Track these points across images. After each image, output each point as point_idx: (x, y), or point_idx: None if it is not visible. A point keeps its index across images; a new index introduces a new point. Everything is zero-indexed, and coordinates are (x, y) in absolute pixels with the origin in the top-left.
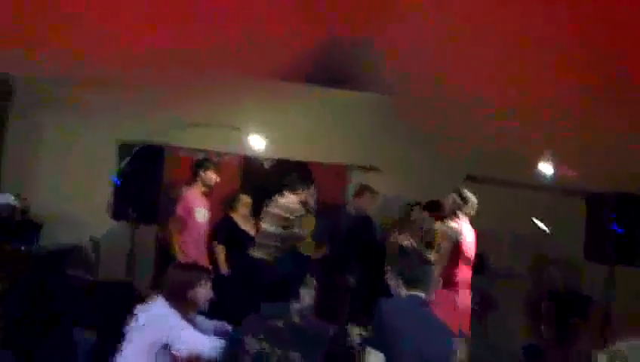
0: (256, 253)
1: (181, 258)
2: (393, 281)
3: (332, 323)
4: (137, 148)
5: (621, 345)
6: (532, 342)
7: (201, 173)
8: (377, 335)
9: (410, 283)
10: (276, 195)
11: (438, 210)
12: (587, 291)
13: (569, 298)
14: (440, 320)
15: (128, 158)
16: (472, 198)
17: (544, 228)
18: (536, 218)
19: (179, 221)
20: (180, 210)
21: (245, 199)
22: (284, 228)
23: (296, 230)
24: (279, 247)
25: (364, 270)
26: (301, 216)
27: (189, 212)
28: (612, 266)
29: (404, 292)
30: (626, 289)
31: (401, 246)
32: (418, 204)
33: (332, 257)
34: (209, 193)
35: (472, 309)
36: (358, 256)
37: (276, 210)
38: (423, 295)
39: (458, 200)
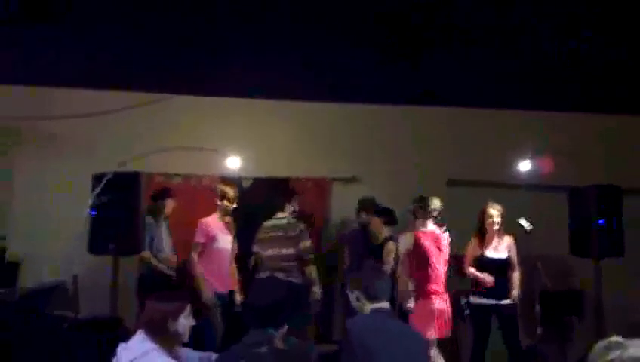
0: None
1: (202, 286)
2: (354, 298)
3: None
4: (109, 178)
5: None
6: (529, 343)
7: (218, 203)
8: (349, 357)
9: (372, 296)
10: (270, 219)
11: (390, 217)
12: (577, 286)
13: (560, 295)
14: (410, 328)
15: (99, 189)
16: (434, 202)
17: (528, 227)
18: (520, 217)
19: (199, 248)
20: (200, 237)
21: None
22: (293, 245)
23: (307, 243)
24: (293, 266)
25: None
26: (303, 228)
27: (211, 239)
28: (598, 259)
29: (367, 307)
30: (614, 281)
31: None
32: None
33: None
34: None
35: (465, 314)
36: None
37: (280, 233)
38: (386, 306)
39: (418, 208)
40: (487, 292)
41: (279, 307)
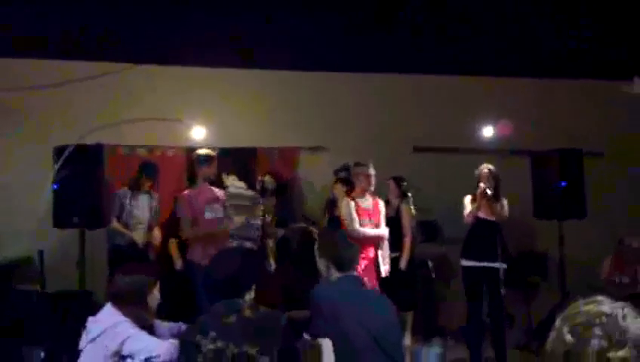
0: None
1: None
2: (323, 265)
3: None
4: (71, 150)
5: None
6: None
7: (200, 171)
8: (318, 323)
9: (338, 264)
10: (229, 187)
11: (348, 186)
12: (540, 248)
13: (525, 257)
14: (378, 292)
15: (61, 162)
16: (360, 168)
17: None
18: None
19: (189, 222)
20: (186, 211)
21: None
22: (244, 214)
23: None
24: (243, 236)
25: None
26: (257, 199)
27: (198, 211)
28: (561, 221)
29: (335, 274)
30: (577, 242)
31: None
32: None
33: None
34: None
35: (431, 277)
36: None
37: (245, 202)
38: (354, 273)
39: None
40: (478, 255)
41: (239, 276)
